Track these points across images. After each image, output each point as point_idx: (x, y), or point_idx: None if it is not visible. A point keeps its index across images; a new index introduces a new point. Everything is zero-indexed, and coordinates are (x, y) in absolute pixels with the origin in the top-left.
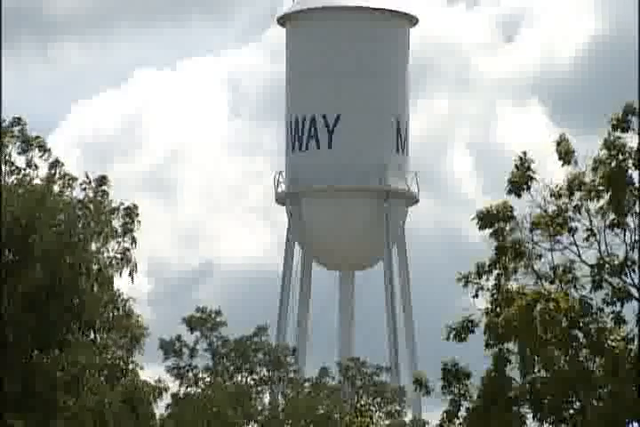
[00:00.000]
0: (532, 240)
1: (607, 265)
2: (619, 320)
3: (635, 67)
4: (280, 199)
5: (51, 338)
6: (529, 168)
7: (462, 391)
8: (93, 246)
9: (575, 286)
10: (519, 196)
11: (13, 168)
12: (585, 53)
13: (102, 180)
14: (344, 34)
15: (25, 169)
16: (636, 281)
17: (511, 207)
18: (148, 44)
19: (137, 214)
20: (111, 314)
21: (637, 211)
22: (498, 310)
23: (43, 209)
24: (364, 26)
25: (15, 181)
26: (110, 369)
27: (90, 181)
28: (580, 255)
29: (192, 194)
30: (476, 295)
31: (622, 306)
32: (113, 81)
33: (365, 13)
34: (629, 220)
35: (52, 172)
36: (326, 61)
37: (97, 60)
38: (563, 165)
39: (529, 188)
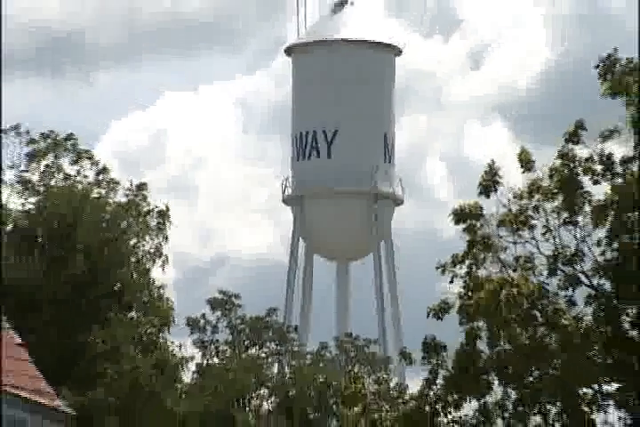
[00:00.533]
0: (499, 235)
1: (561, 256)
2: (570, 302)
3: (583, 89)
4: (286, 201)
5: (93, 317)
6: (496, 174)
7: (439, 362)
8: (133, 242)
9: (534, 274)
10: (488, 197)
11: (65, 176)
12: (540, 78)
13: (142, 186)
14: (340, 62)
15: (76, 176)
16: (585, 269)
17: (481, 207)
18: (172, 72)
19: (169, 216)
20: (146, 298)
21: (586, 210)
22: (469, 293)
23: (86, 209)
24: (357, 55)
25: (64, 186)
26: (144, 342)
27: (132, 187)
28: (538, 248)
29: (210, 197)
30: (452, 281)
31: (574, 290)
32: (144, 102)
33: (358, 45)
34: (580, 218)
35: (99, 178)
36: (326, 85)
37: (131, 84)
38: (523, 172)
39: (496, 190)
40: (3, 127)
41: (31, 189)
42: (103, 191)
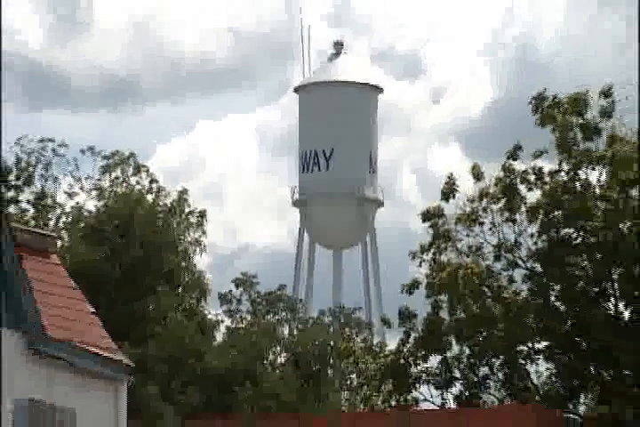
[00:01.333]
0: (456, 230)
1: (503, 245)
2: (511, 280)
3: (520, 119)
4: (294, 203)
5: (148, 292)
6: (454, 184)
7: (411, 326)
8: (178, 235)
9: (483, 259)
10: (447, 201)
11: (127, 184)
12: (487, 111)
13: (183, 192)
14: (336, 98)
15: (135, 185)
16: (522, 255)
17: (442, 209)
18: (205, 105)
19: (205, 215)
20: (188, 277)
21: (522, 211)
22: (434, 274)
23: (142, 209)
24: (348, 93)
25: (125, 192)
26: (187, 310)
27: (178, 192)
28: (486, 239)
29: (235, 201)
30: (420, 265)
31: (513, 271)
32: (183, 129)
33: (349, 85)
34: (517, 217)
35: (152, 186)
36: (324, 115)
37: (173, 115)
38: (475, 182)
39: (454, 196)
40: (82, 148)
41: (102, 194)
42: (154, 196)
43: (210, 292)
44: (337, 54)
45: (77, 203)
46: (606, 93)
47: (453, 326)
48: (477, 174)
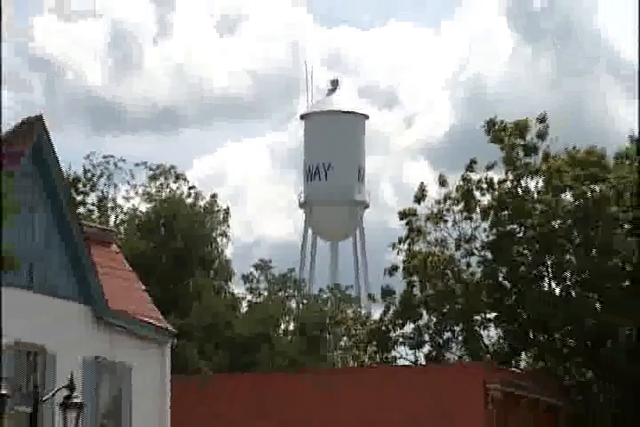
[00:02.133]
0: (426, 226)
1: (462, 238)
2: (468, 265)
3: (475, 139)
4: (300, 206)
5: (187, 275)
6: (424, 190)
7: (391, 300)
8: (210, 229)
9: (447, 249)
10: (419, 204)
11: (170, 190)
12: (449, 133)
13: (214, 195)
14: (333, 123)
15: (176, 190)
16: (477, 246)
17: (415, 209)
18: (227, 129)
19: (230, 214)
20: (219, 263)
21: (477, 211)
22: (409, 260)
23: (182, 210)
24: (342, 119)
25: (169, 196)
26: (217, 289)
27: (210, 196)
28: (449, 233)
29: (253, 204)
30: (398, 253)
31: (470, 258)
32: (213, 148)
33: (344, 114)
34: (474, 215)
35: (190, 191)
36: (324, 137)
37: (203, 137)
38: (440, 188)
39: (424, 199)
40: (136, 162)
41: (151, 198)
42: (192, 199)
43: (234, 274)
44: (333, 90)
45: (132, 205)
46: (541, 120)
47: (423, 301)
48: (442, 183)
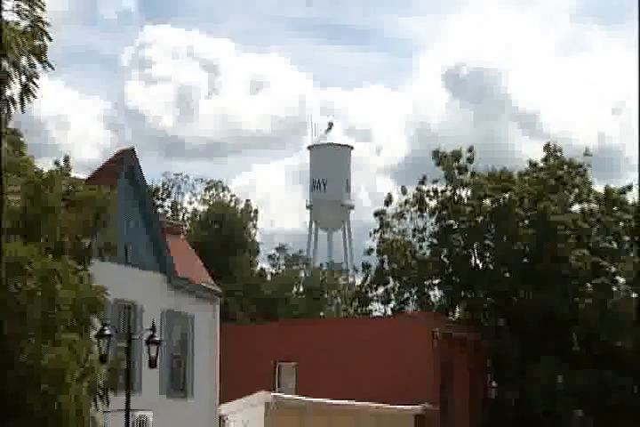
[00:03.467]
0: (392, 221)
1: (417, 229)
2: (421, 248)
3: (425, 164)
4: (307, 208)
5: (231, 253)
6: (391, 197)
7: (368, 272)
8: (246, 224)
9: (406, 236)
10: (387, 206)
11: (219, 197)
12: (406, 159)
13: (247, 201)
14: (330, 152)
15: (224, 198)
16: (427, 235)
17: (385, 210)
18: (257, 156)
19: (258, 213)
20: (251, 246)
21: (427, 211)
22: (381, 244)
23: (228, 211)
24: (337, 150)
25: (218, 201)
26: (251, 264)
27: (245, 201)
28: (407, 226)
29: (274, 206)
30: (373, 240)
31: (423, 243)
32: (247, 169)
33: (337, 146)
34: (425, 214)
35: (232, 198)
36: (324, 162)
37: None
38: (401, 195)
39: (391, 203)
40: (197, 178)
41: (206, 202)
42: (234, 203)
43: (261, 254)
44: (329, 129)
45: (194, 207)
46: (469, 150)
47: (391, 272)
48: (403, 192)
